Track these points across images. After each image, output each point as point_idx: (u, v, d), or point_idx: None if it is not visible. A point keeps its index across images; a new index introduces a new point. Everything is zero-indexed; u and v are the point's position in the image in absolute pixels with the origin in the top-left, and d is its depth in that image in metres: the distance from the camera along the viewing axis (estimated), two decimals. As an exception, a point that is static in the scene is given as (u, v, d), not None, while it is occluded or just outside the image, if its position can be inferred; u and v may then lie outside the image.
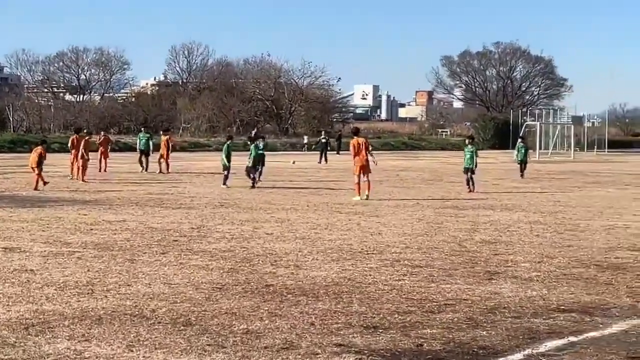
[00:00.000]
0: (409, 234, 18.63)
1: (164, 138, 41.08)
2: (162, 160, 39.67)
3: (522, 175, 40.05)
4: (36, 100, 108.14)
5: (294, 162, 49.69)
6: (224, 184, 31.68)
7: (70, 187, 30.89)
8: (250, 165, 31.99)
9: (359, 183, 26.82)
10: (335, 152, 66.08)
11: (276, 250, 15.86)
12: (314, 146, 59.42)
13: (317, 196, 28.32)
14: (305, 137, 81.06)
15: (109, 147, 41.57)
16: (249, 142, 33.12)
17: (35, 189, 29.01)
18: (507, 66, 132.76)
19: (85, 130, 41.29)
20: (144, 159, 40.21)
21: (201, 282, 12.67)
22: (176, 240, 17.04)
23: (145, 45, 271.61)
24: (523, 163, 40.95)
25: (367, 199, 26.26)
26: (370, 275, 13.48)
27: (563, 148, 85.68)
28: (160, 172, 38.83)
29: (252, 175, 31.81)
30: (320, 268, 14.05)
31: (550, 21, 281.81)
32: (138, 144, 41.75)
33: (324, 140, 58.30)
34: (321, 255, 15.41)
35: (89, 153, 34.47)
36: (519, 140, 43.97)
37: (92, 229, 18.69)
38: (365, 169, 26.87)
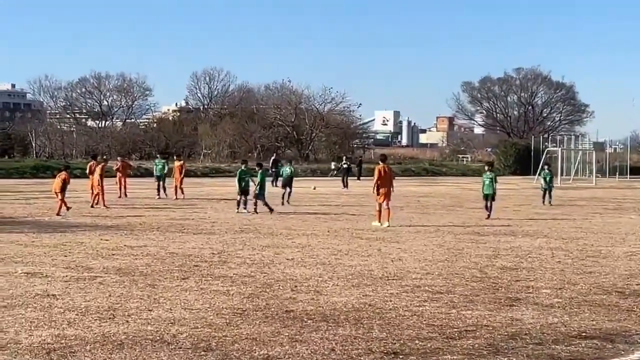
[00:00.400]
0: (429, 260, 18.60)
1: (177, 164, 41.01)
2: (176, 185, 39.67)
3: (548, 202, 39.44)
4: (59, 126, 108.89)
5: (314, 188, 49.71)
6: (237, 210, 31.53)
7: (92, 212, 31.02)
8: (257, 192, 31.66)
9: (380, 210, 26.77)
10: (355, 177, 66.03)
11: (297, 276, 15.86)
12: (335, 172, 59.40)
13: (338, 222, 28.32)
14: (333, 164, 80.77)
15: (128, 173, 41.44)
16: (257, 168, 32.68)
17: (58, 214, 29.15)
18: (528, 92, 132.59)
19: (104, 156, 41.31)
20: (160, 185, 40.04)
21: (222, 308, 12.69)
22: (197, 266, 17.08)
23: (167, 71, 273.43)
24: (548, 190, 40.29)
25: (388, 224, 26.20)
26: (390, 301, 13.47)
27: (585, 174, 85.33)
28: (177, 198, 38.84)
29: (262, 202, 31.43)
30: (340, 294, 14.04)
31: (571, 47, 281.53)
32: (155, 170, 41.64)
33: (345, 166, 58.31)
34: (342, 281, 15.40)
35: (103, 179, 34.62)
36: (545, 167, 43.48)
37: (113, 254, 18.76)
38: (387, 196, 26.80)
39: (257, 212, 30.95)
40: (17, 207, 32.82)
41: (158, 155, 45.85)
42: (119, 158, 44.79)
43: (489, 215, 30.10)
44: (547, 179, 40.60)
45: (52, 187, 30.92)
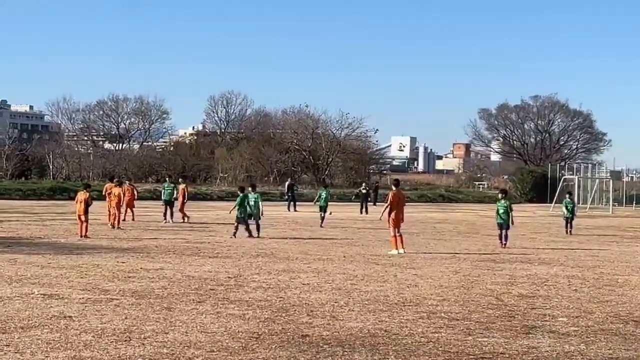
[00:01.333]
0: (445, 286, 18.56)
1: (181, 187, 40.86)
2: (180, 209, 39.44)
3: (569, 232, 38.63)
4: (76, 148, 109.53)
5: (331, 213, 49.60)
6: (250, 235, 30.86)
7: (109, 234, 31.12)
8: (239, 216, 31.16)
9: (395, 236, 26.63)
10: (372, 203, 66.06)
11: (312, 301, 15.85)
12: (353, 197, 59.45)
13: (354, 247, 28.31)
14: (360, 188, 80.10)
15: (135, 197, 40.72)
16: (239, 192, 32.40)
17: (84, 236, 29.24)
18: (545, 120, 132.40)
19: (115, 179, 41.15)
20: (168, 210, 39.24)
21: (238, 331, 12.69)
22: (213, 289, 17.09)
23: (185, 95, 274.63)
24: (570, 219, 39.33)
25: (404, 251, 26.12)
26: (406, 327, 13.44)
27: (601, 202, 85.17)
28: (183, 221, 38.62)
29: (244, 225, 30.99)
30: (356, 319, 14.03)
31: (589, 75, 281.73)
32: (163, 195, 40.82)
33: (364, 191, 58.34)
34: (357, 306, 15.38)
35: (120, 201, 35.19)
36: (567, 195, 42.48)
37: (129, 277, 18.80)
38: (398, 223, 26.61)
39: (253, 236, 30.74)
40: (34, 229, 32.95)
41: (167, 179, 44.82)
42: (127, 182, 44.01)
43: (504, 245, 29.25)
44: (570, 207, 39.61)
45: (75, 209, 30.76)
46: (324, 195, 41.39)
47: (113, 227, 33.89)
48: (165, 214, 39.09)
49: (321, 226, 38.78)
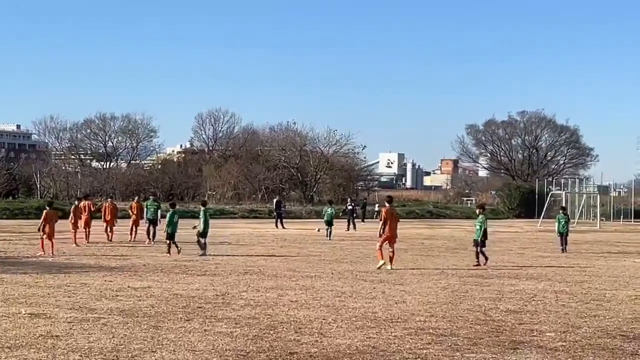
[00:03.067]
0: (433, 302, 18.57)
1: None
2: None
3: (563, 249, 36.55)
4: (63, 167, 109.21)
5: (318, 230, 49.70)
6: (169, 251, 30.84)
7: (96, 253, 31.05)
8: (200, 230, 31.18)
9: (380, 249, 26.61)
10: (360, 219, 66.10)
11: (300, 318, 15.84)
12: (341, 214, 59.47)
13: (342, 264, 28.30)
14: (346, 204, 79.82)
15: (116, 215, 39.83)
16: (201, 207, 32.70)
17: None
18: (532, 135, 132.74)
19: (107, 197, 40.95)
20: (151, 229, 37.96)
21: (225, 350, 12.67)
22: (201, 307, 17.06)
23: (172, 113, 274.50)
24: (564, 235, 37.29)
25: (391, 268, 26.11)
26: (394, 343, 13.44)
27: (589, 217, 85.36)
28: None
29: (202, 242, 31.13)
30: (344, 336, 14.02)
31: (575, 90, 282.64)
32: (145, 213, 39.17)
33: (350, 208, 58.34)
34: (345, 323, 15.38)
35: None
36: (560, 210, 40.90)
37: (117, 295, 18.76)
38: (391, 239, 26.67)
39: (169, 254, 30.61)
40: (21, 248, 32.84)
41: (151, 197, 43.43)
42: (109, 200, 43.32)
43: (480, 263, 28.16)
44: (563, 222, 37.67)
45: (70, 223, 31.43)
46: (329, 211, 45.93)
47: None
48: (148, 233, 37.90)
49: (329, 239, 43.16)
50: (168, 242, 31.12)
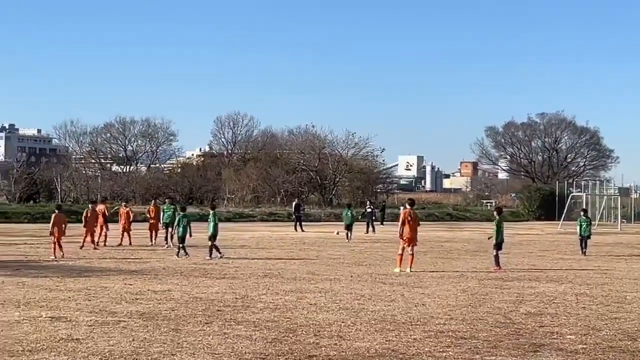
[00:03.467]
0: (453, 305, 18.53)
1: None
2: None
3: (583, 252, 35.60)
4: (84, 171, 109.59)
5: (337, 233, 49.73)
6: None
7: (116, 256, 31.15)
8: (210, 233, 31.28)
9: (401, 254, 26.60)
10: (379, 222, 66.02)
11: (320, 321, 15.84)
12: (360, 217, 59.41)
13: (361, 267, 28.28)
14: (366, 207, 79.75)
15: (131, 219, 39.49)
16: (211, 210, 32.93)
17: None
18: (552, 137, 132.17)
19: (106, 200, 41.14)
20: (169, 232, 37.45)
21: (245, 352, 12.69)
22: (220, 310, 17.09)
23: (191, 116, 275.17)
24: (585, 238, 36.20)
25: (410, 271, 26.06)
26: (413, 346, 13.42)
27: (610, 219, 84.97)
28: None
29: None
30: (363, 339, 14.01)
31: (595, 92, 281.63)
32: (162, 217, 39.14)
33: (369, 210, 58.28)
34: (365, 326, 15.36)
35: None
36: (581, 213, 39.21)
37: (137, 299, 18.81)
38: (411, 241, 26.61)
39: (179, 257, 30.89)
40: (42, 252, 32.94)
41: (166, 200, 43.22)
42: (123, 204, 42.88)
43: (499, 267, 27.64)
44: (585, 226, 36.48)
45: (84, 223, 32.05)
46: (349, 214, 47.18)
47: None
48: (166, 237, 37.63)
49: (349, 240, 44.44)
50: (179, 245, 31.31)
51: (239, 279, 23.40)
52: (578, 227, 36.89)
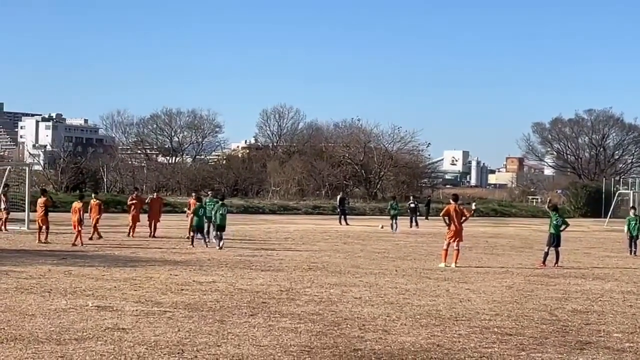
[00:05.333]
0: (498, 301, 18.43)
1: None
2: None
3: (633, 252, 33.93)
4: (129, 162, 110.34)
5: (382, 227, 49.66)
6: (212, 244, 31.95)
7: (162, 247, 31.34)
8: (217, 223, 31.92)
9: (447, 250, 26.52)
10: (424, 217, 65.82)
11: (364, 315, 15.83)
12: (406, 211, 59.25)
13: (406, 261, 28.22)
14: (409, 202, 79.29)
15: (160, 209, 39.38)
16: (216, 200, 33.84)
17: (74, 244, 31.30)
18: (599, 134, 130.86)
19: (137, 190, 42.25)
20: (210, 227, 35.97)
21: (290, 345, 12.71)
22: (265, 302, 17.13)
23: (237, 109, 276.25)
24: (635, 237, 34.34)
25: (455, 266, 25.95)
26: (459, 342, 13.37)
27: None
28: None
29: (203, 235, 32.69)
30: (408, 333, 13.98)
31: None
32: (204, 212, 36.90)
33: (412, 205, 58.09)
34: (409, 320, 15.33)
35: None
36: (630, 211, 37.14)
37: (182, 290, 18.91)
38: (457, 236, 26.52)
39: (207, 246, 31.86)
40: (88, 241, 33.19)
41: (209, 193, 42.21)
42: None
43: (544, 263, 27.40)
44: (634, 224, 34.48)
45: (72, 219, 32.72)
46: (392, 211, 50.09)
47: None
48: (208, 232, 35.84)
49: (394, 232, 47.12)
50: (215, 233, 32.12)
51: (284, 272, 23.44)
52: (626, 226, 35.35)
